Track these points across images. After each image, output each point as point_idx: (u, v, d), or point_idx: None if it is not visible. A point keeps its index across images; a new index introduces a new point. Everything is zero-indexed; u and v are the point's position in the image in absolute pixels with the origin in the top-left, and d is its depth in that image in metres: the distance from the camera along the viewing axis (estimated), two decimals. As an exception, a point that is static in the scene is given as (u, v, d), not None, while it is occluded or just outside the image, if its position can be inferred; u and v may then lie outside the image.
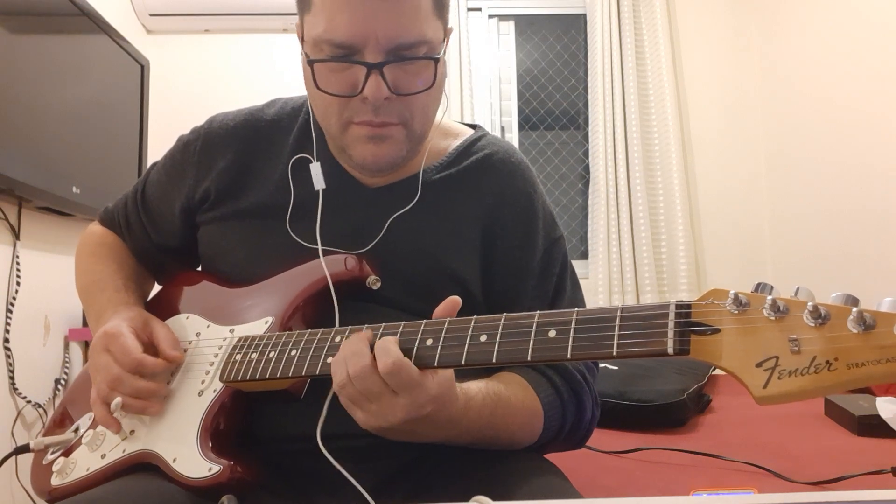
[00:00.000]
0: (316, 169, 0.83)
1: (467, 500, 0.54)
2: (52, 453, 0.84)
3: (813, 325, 0.46)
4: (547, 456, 0.82)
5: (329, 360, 0.67)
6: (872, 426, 1.41)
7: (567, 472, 0.75)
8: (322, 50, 0.73)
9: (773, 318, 0.47)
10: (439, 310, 0.65)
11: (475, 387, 0.71)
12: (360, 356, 0.62)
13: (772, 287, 0.49)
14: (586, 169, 2.95)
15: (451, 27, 0.81)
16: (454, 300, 0.66)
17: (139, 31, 2.71)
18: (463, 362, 0.60)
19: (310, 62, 0.74)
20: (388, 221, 0.81)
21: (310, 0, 0.74)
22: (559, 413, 0.79)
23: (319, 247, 0.80)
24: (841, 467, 1.14)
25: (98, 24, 2.07)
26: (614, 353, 0.53)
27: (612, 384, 1.69)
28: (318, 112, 0.80)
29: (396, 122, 0.76)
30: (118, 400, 0.74)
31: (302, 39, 0.78)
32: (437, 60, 0.75)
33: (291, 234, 0.82)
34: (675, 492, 1.13)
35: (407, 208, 0.82)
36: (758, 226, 2.91)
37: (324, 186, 0.82)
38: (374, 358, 0.61)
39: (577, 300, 0.88)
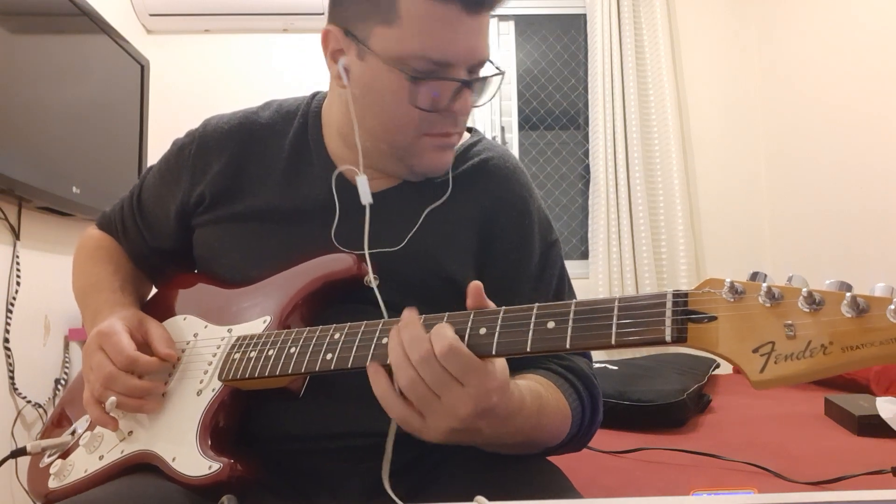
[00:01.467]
0: (363, 184, 0.81)
1: (467, 500, 0.54)
2: (50, 456, 0.84)
3: (808, 310, 0.47)
4: (547, 456, 0.81)
5: (328, 356, 0.66)
6: (872, 426, 1.40)
7: (567, 472, 0.75)
8: (409, 65, 0.74)
9: (768, 305, 0.48)
10: (471, 301, 0.64)
11: (522, 383, 0.69)
12: (420, 341, 0.59)
13: (766, 275, 0.50)
14: (586, 169, 2.95)
15: None
16: (476, 284, 0.64)
17: (139, 31, 2.71)
18: None
19: (413, 78, 0.74)
20: (424, 214, 0.82)
21: (396, 14, 0.72)
22: (579, 417, 0.78)
23: (367, 251, 0.79)
24: (841, 467, 1.14)
25: (98, 24, 2.07)
26: (613, 342, 0.54)
27: (612, 384, 1.68)
28: (390, 124, 0.79)
29: (460, 131, 0.83)
30: (112, 398, 0.74)
31: (367, 48, 0.76)
32: (503, 74, 0.81)
33: (334, 241, 0.81)
34: (675, 492, 1.13)
35: (441, 201, 0.83)
36: (758, 226, 2.91)
37: (370, 201, 0.81)
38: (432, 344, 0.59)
39: None
